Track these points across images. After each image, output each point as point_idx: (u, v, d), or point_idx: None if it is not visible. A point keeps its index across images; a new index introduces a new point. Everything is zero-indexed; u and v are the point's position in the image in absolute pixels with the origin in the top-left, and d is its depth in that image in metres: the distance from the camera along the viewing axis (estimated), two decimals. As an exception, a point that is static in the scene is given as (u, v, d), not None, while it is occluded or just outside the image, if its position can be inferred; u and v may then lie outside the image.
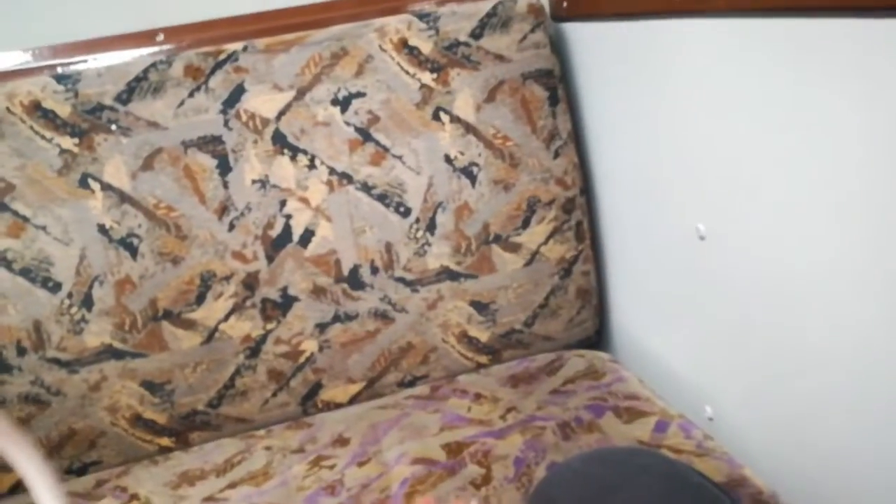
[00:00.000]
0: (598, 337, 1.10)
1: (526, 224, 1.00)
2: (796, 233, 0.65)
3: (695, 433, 0.80)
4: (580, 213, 1.03)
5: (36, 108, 0.89)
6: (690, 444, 0.78)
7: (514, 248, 1.00)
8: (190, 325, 0.92)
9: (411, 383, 1.01)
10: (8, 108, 0.88)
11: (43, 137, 0.89)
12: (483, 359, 1.02)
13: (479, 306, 1.00)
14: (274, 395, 0.96)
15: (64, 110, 0.89)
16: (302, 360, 0.96)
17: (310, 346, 0.96)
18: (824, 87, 0.58)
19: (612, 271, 1.07)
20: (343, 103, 0.95)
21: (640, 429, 0.82)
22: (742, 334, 0.77)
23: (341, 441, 0.89)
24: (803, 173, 0.63)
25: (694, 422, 0.83)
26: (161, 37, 0.96)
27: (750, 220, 0.71)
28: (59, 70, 0.93)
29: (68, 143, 0.89)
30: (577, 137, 1.05)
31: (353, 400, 0.99)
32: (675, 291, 0.89)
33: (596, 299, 1.07)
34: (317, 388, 0.98)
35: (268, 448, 0.90)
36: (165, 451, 0.94)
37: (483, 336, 1.01)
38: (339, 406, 0.99)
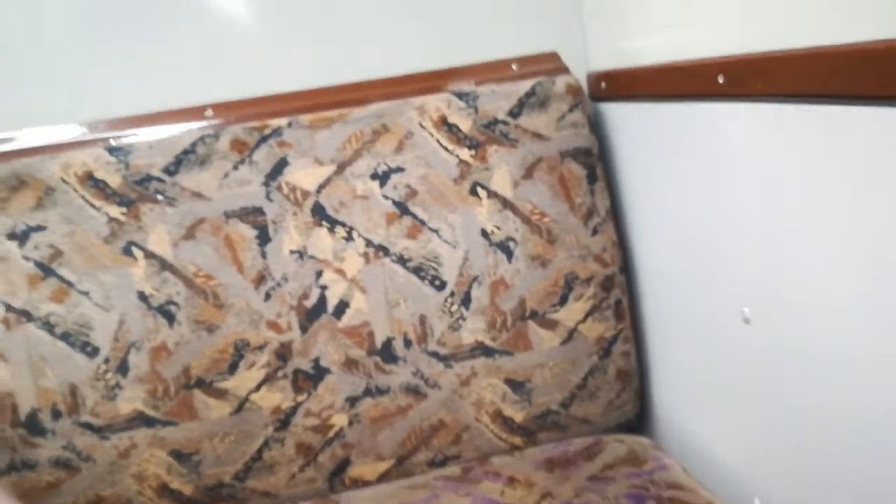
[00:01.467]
0: (639, 421, 1.06)
1: (563, 301, 0.99)
2: (844, 316, 0.63)
3: None
4: (619, 292, 1.01)
5: (88, 178, 0.93)
6: (738, 541, 0.73)
7: (551, 325, 0.98)
8: (221, 394, 0.92)
9: (442, 463, 0.98)
10: (62, 178, 0.93)
11: (93, 206, 0.92)
12: (517, 440, 0.99)
13: (514, 384, 0.98)
14: (301, 469, 0.94)
15: (115, 181, 0.93)
16: (331, 434, 0.95)
17: (340, 420, 0.94)
18: (866, 173, 0.57)
19: (654, 353, 1.03)
20: (382, 178, 0.97)
21: None
22: (793, 423, 0.74)
23: (367, 521, 0.86)
24: (849, 255, 0.61)
25: None
26: (210, 112, 1.01)
27: (796, 304, 0.69)
28: (113, 142, 0.97)
29: (116, 211, 0.92)
30: (616, 215, 1.05)
31: (382, 478, 0.96)
32: (721, 376, 0.86)
33: (637, 381, 1.03)
34: (345, 464, 0.95)
35: (292, 526, 0.88)
36: (190, 523, 0.93)
37: (518, 416, 0.98)
38: (367, 484, 0.96)
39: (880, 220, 0.57)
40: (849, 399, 0.65)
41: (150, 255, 0.92)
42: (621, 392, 1.02)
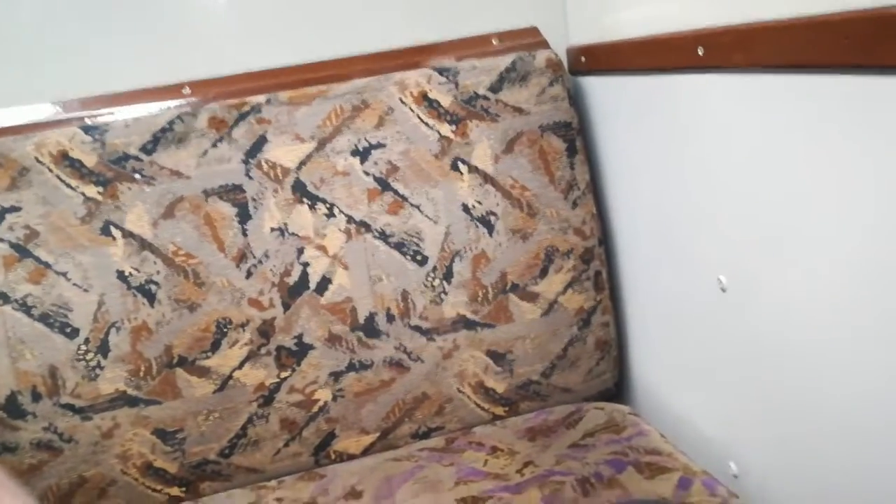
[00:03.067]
0: (618, 389, 1.07)
1: (544, 273, 1.00)
2: (820, 284, 0.64)
3: (719, 490, 0.78)
4: (598, 264, 1.02)
5: (63, 158, 0.91)
6: (715, 502, 0.75)
7: (532, 297, 1.00)
8: (204, 372, 0.92)
9: (426, 435, 0.99)
10: (37, 158, 0.91)
11: (69, 186, 0.91)
12: (499, 410, 1.00)
13: (496, 356, 0.99)
14: (286, 444, 0.95)
15: (90, 160, 0.91)
16: (315, 409, 0.95)
17: (323, 395, 0.95)
18: (844, 142, 0.58)
19: (632, 323, 1.05)
20: (363, 154, 0.96)
21: (663, 485, 0.79)
22: (767, 388, 0.75)
23: (354, 494, 0.87)
24: (826, 226, 0.62)
25: (718, 479, 0.81)
26: (187, 90, 0.99)
27: (772, 273, 0.70)
28: (88, 121, 0.95)
29: (93, 191, 0.91)
30: (596, 188, 1.05)
31: (367, 451, 0.97)
32: (697, 344, 0.88)
33: (615, 351, 1.05)
34: (330, 438, 0.96)
35: (279, 500, 0.89)
36: (175, 500, 0.93)
37: (500, 387, 1.00)
38: (352, 457, 0.97)
39: (859, 188, 0.57)
40: (824, 365, 0.66)
41: (128, 235, 0.91)
42: (600, 361, 1.03)
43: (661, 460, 0.84)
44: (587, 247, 1.01)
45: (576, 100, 1.06)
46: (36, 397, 0.89)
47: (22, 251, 0.89)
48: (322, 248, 0.95)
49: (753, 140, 0.70)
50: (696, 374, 0.91)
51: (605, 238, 1.06)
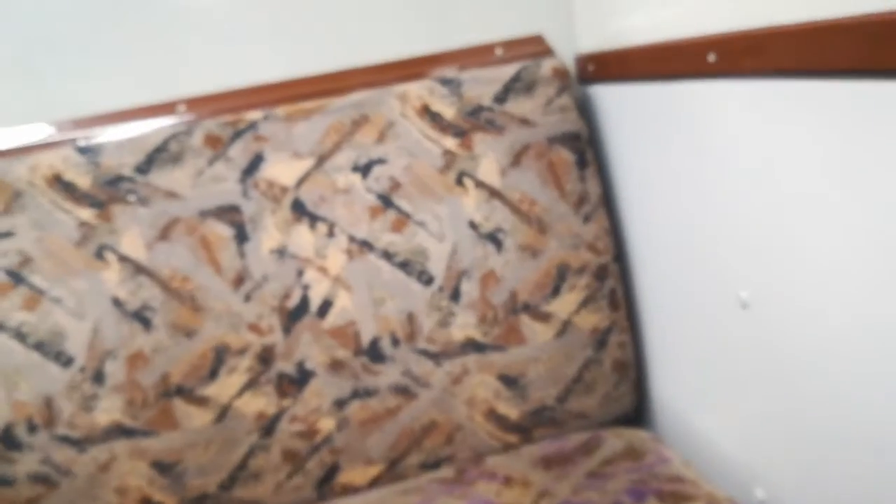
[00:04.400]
0: (637, 413, 1.04)
1: (556, 292, 0.96)
2: (844, 299, 0.62)
3: None
4: (613, 281, 0.98)
5: (57, 181, 0.89)
6: (743, 535, 0.71)
7: (544, 317, 0.95)
8: (202, 401, 0.89)
9: (435, 465, 0.95)
10: (30, 181, 0.89)
11: (62, 209, 0.89)
12: (512, 438, 0.96)
13: (508, 380, 0.95)
14: (289, 477, 0.91)
15: (84, 182, 0.90)
16: (318, 439, 0.91)
17: (327, 424, 0.91)
18: (864, 148, 0.56)
19: (651, 343, 1.01)
20: (364, 170, 0.93)
21: None
22: (793, 408, 0.72)
23: (359, 529, 0.83)
24: (848, 235, 0.60)
25: None
26: (182, 107, 0.97)
27: (795, 286, 0.68)
28: (81, 142, 0.93)
29: (87, 214, 0.89)
30: (609, 202, 1.02)
31: (373, 483, 0.94)
32: (719, 363, 0.85)
33: (634, 373, 1.00)
34: (334, 470, 0.92)
35: (280, 536, 0.85)
36: (174, 537, 0.89)
37: (512, 413, 0.95)
38: (357, 490, 0.93)
39: (880, 198, 0.55)
40: (850, 383, 0.63)
41: (123, 259, 0.89)
42: (618, 384, 0.99)
43: (684, 488, 0.81)
44: (601, 263, 0.97)
45: (585, 109, 1.03)
46: (32, 429, 0.87)
47: (16, 277, 0.88)
48: (323, 270, 0.92)
49: (769, 149, 0.68)
50: (718, 395, 0.87)
51: (620, 254, 1.02)
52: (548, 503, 0.82)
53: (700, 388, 0.91)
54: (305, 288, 0.91)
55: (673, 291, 0.93)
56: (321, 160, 0.93)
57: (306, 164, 0.93)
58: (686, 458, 0.88)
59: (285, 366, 0.90)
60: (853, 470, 0.65)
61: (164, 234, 0.89)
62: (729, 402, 0.85)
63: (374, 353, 0.92)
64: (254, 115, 0.93)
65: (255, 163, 0.92)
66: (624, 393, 1.00)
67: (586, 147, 0.99)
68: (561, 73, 0.99)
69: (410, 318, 0.93)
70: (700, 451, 0.90)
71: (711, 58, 0.71)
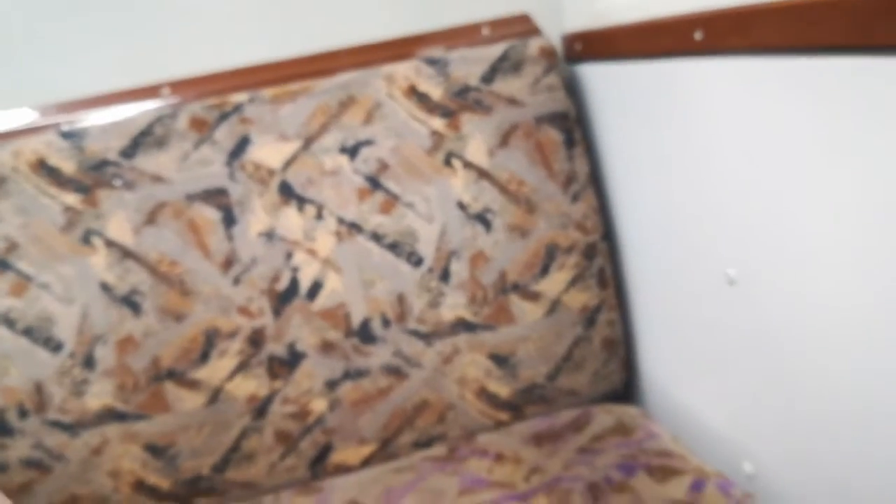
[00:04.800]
0: (627, 390, 1.05)
1: (545, 271, 0.96)
2: (831, 275, 0.62)
3: (734, 492, 0.76)
4: (602, 259, 0.98)
5: (41, 166, 0.88)
6: (731, 507, 0.72)
7: (534, 296, 0.96)
8: (193, 384, 0.89)
9: (427, 444, 0.96)
10: (13, 167, 0.88)
11: (47, 195, 0.88)
12: (503, 416, 0.97)
13: (498, 359, 0.95)
14: (282, 458, 0.92)
15: (69, 167, 0.89)
16: (311, 420, 0.92)
17: (319, 405, 0.92)
18: (850, 125, 0.56)
19: (639, 320, 1.02)
20: (351, 151, 0.93)
21: (675, 488, 0.78)
22: (780, 383, 0.73)
23: (352, 508, 0.84)
24: (834, 211, 0.60)
25: (732, 479, 0.79)
26: (166, 90, 0.96)
27: (782, 263, 0.68)
28: (65, 127, 0.92)
29: (72, 199, 0.88)
30: (597, 180, 1.02)
31: (366, 462, 0.94)
32: (707, 340, 0.85)
33: (622, 350, 1.01)
34: (327, 450, 0.93)
35: (274, 516, 0.85)
36: (168, 519, 0.90)
37: (503, 391, 0.96)
38: (350, 469, 0.94)
39: (866, 173, 0.55)
40: (837, 358, 0.64)
41: (110, 244, 0.88)
42: (607, 361, 1.00)
43: (673, 462, 0.82)
44: (589, 242, 0.97)
45: (572, 89, 1.03)
46: (23, 414, 0.87)
47: (2, 264, 0.87)
48: (312, 252, 0.91)
49: (756, 126, 0.68)
50: (706, 371, 0.88)
51: (609, 233, 1.02)
52: (539, 479, 0.83)
53: (688, 364, 0.92)
54: (295, 270, 0.91)
55: (661, 269, 0.93)
56: (308, 142, 0.92)
57: (293, 146, 0.92)
58: (675, 433, 0.89)
59: (276, 348, 0.91)
60: (840, 445, 0.66)
61: (151, 218, 0.89)
62: (717, 377, 0.85)
63: (365, 335, 0.92)
64: (239, 97, 0.93)
65: (242, 145, 0.91)
66: (613, 370, 1.01)
67: (574, 126, 0.99)
68: (548, 53, 0.98)
69: (400, 299, 0.93)
70: (688, 426, 0.91)
71: (698, 35, 0.71)
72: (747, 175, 0.70)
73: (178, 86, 0.96)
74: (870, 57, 0.52)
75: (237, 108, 0.92)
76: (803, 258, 0.65)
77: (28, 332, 0.87)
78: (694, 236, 0.83)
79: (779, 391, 0.73)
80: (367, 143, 0.93)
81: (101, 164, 0.89)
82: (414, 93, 0.95)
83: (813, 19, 0.56)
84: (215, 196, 0.90)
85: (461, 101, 0.95)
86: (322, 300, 0.91)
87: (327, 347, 0.92)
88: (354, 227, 0.92)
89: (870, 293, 0.58)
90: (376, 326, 0.93)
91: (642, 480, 0.79)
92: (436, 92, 0.95)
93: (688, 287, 0.86)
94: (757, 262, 0.72)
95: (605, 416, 0.94)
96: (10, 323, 0.87)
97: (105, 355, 0.88)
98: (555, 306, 0.97)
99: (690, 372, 0.92)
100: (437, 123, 0.95)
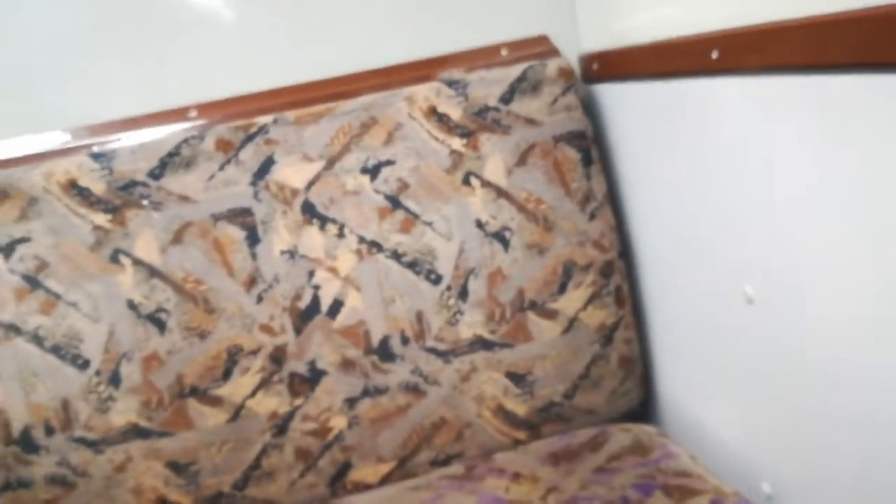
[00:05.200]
0: (644, 409, 1.04)
1: (562, 289, 0.96)
2: (849, 290, 0.61)
3: None
4: (619, 277, 0.99)
5: (72, 187, 0.91)
6: (750, 528, 0.72)
7: (551, 314, 0.96)
8: (216, 402, 0.90)
9: (445, 462, 0.96)
10: (45, 188, 0.90)
11: (77, 214, 0.90)
12: (520, 434, 0.97)
13: (516, 378, 0.96)
14: (301, 475, 0.92)
15: (99, 188, 0.91)
16: (330, 437, 0.92)
17: (338, 422, 0.92)
18: (867, 143, 0.56)
19: (657, 339, 1.01)
20: (372, 171, 0.94)
21: None
22: (799, 403, 0.72)
23: (371, 525, 0.84)
24: (852, 229, 0.60)
25: (751, 500, 0.78)
26: (194, 113, 0.98)
27: (800, 282, 0.68)
28: (95, 149, 0.94)
29: (101, 219, 0.90)
30: (614, 199, 1.02)
31: (384, 480, 0.94)
32: (725, 359, 0.84)
33: (640, 368, 1.01)
34: (346, 468, 0.93)
35: (295, 532, 0.86)
36: (190, 535, 0.91)
37: (520, 410, 0.96)
38: (368, 487, 0.94)
39: (884, 192, 0.55)
40: (857, 376, 0.63)
41: (137, 262, 0.90)
42: (625, 380, 0.99)
43: (691, 483, 0.81)
44: (607, 260, 0.98)
45: (589, 108, 1.04)
46: (49, 431, 0.88)
47: (33, 282, 0.89)
48: (333, 270, 0.93)
49: (773, 144, 0.67)
50: (724, 389, 0.87)
51: (626, 251, 1.02)
52: (556, 498, 0.82)
53: (706, 383, 0.91)
54: (316, 288, 0.92)
55: (678, 287, 0.93)
56: (331, 162, 0.94)
57: (316, 166, 0.94)
58: (692, 452, 0.88)
59: (297, 365, 0.92)
60: (860, 465, 0.65)
61: (178, 237, 0.91)
62: (735, 396, 0.85)
63: (384, 352, 0.93)
64: (264, 119, 0.95)
65: (266, 166, 0.93)
66: (630, 389, 1.00)
67: (591, 145, 0.99)
68: (566, 73, 0.99)
69: (419, 317, 0.94)
70: (706, 446, 0.90)
71: (714, 55, 0.71)
72: (764, 193, 0.70)
73: (205, 108, 0.98)
74: (887, 74, 0.52)
75: (262, 129, 0.94)
76: (822, 276, 0.64)
77: (56, 350, 0.89)
78: (711, 254, 0.82)
79: (798, 411, 0.72)
80: (388, 163, 0.95)
81: (130, 185, 0.91)
82: (434, 113, 0.96)
83: (829, 37, 0.56)
84: (240, 215, 0.92)
85: (480, 122, 0.97)
86: (342, 318, 0.92)
87: (347, 365, 0.93)
88: (375, 246, 0.94)
89: (890, 312, 0.57)
90: (395, 344, 0.93)
91: (660, 500, 0.78)
92: (455, 112, 0.96)
93: (705, 305, 0.86)
94: (775, 280, 0.71)
95: (622, 435, 0.93)
96: (38, 340, 0.89)
97: (130, 372, 0.89)
98: (572, 324, 0.97)
99: (708, 391, 0.91)
100: (457, 143, 0.96)
